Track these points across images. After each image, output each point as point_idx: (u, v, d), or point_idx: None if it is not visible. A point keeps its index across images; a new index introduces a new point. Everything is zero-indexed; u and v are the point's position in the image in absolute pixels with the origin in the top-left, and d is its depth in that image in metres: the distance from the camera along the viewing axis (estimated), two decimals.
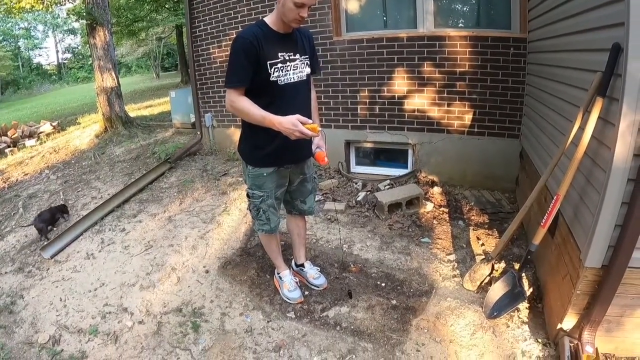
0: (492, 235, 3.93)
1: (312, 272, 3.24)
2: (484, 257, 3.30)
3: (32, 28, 41.57)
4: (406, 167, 5.18)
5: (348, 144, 5.34)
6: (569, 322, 2.45)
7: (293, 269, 3.37)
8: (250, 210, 2.94)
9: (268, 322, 3.01)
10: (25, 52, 43.32)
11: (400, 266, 3.49)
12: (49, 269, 3.98)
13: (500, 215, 4.28)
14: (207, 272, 3.60)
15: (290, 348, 2.79)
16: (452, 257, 3.61)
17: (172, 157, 6.11)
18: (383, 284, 3.28)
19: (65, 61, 47.49)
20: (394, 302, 3.09)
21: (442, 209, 4.43)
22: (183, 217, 4.60)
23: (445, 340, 2.76)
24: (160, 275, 3.65)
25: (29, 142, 8.83)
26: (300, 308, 3.09)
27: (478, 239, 3.90)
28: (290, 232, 3.27)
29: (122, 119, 8.29)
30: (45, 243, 4.25)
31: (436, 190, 4.74)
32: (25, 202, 5.63)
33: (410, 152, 5.09)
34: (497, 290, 2.97)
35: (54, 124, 9.92)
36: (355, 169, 5.33)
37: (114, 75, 8.19)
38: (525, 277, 3.02)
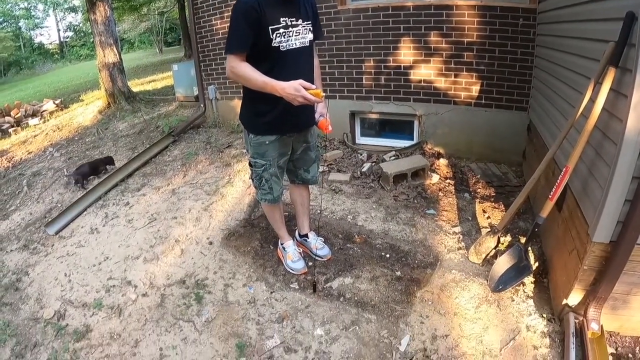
0: (498, 208, 3.85)
1: (316, 243, 3.19)
2: (489, 229, 3.22)
3: (32, 8, 41.11)
4: (412, 139, 5.07)
5: (353, 115, 5.22)
6: (574, 298, 2.38)
7: (297, 240, 3.32)
8: (252, 180, 2.87)
9: (271, 293, 2.97)
10: (26, 32, 42.59)
11: (405, 237, 3.43)
12: (53, 245, 3.95)
13: (506, 188, 4.19)
14: (210, 243, 3.55)
15: (294, 319, 2.75)
16: (458, 229, 3.54)
17: (176, 130, 6.02)
18: (387, 255, 3.22)
19: (67, 39, 46.80)
20: (398, 273, 3.03)
21: (448, 181, 4.34)
22: (186, 189, 4.54)
23: (449, 312, 2.71)
24: (163, 247, 3.61)
25: (32, 121, 8.71)
26: (304, 279, 3.04)
27: (484, 211, 3.82)
28: (294, 202, 3.20)
29: (124, 94, 8.16)
30: (49, 219, 4.22)
31: (442, 162, 4.65)
32: (30, 180, 5.57)
33: (416, 123, 4.98)
34: (503, 264, 2.90)
35: (56, 102, 9.79)
36: (360, 140, 5.23)
37: (115, 50, 8.04)
38: (531, 251, 2.96)
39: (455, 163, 4.74)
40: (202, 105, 6.42)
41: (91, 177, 5.07)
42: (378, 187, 4.18)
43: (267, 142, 2.66)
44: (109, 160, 5.29)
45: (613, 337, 2.43)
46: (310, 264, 3.16)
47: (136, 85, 11.12)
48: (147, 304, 3.06)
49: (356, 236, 3.45)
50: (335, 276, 3.03)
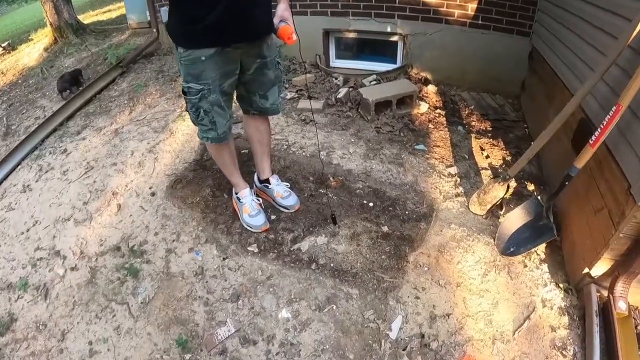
0: (497, 146, 3.03)
1: (279, 190, 2.32)
2: (498, 176, 2.40)
3: None
4: (395, 62, 4.11)
5: (327, 33, 4.19)
6: (599, 268, 1.82)
7: (256, 186, 2.45)
8: (189, 113, 1.94)
9: (224, 259, 2.15)
10: None
11: (391, 180, 2.59)
12: None
13: (504, 122, 3.36)
14: (153, 194, 2.66)
15: (252, 296, 1.96)
16: (453, 169, 2.71)
17: (125, 60, 4.90)
18: (371, 204, 2.39)
19: None
20: (385, 228, 2.22)
21: (438, 111, 3.45)
22: (132, 128, 3.55)
23: (451, 282, 1.95)
24: (99, 203, 2.71)
25: None
26: (264, 238, 2.21)
27: (482, 149, 2.99)
28: (250, 139, 2.30)
29: (72, 27, 6.79)
30: None
31: (430, 89, 3.73)
32: None
33: (400, 44, 4.00)
34: (515, 220, 2.14)
35: (3, 44, 8.25)
36: (335, 62, 4.23)
37: None
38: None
39: (445, 91, 3.84)
40: (154, 30, 5.26)
41: (74, 87, 4.41)
42: (357, 116, 3.27)
43: (203, 59, 1.73)
44: (79, 72, 4.65)
45: (632, 312, 1.84)
46: (273, 217, 2.32)
47: (90, 17, 9.57)
48: (76, 280, 2.23)
49: (331, 179, 2.59)
50: (305, 234, 2.20)
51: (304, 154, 2.82)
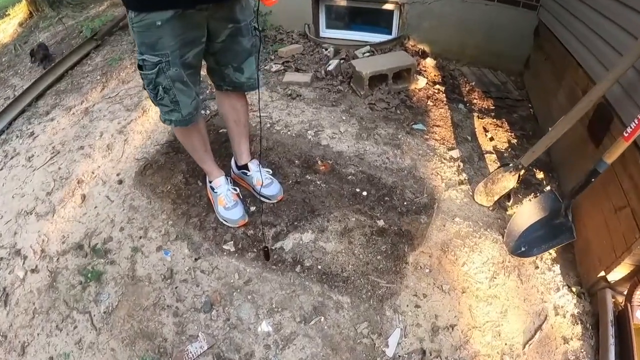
0: (501, 127, 2.70)
1: (260, 177, 1.97)
2: (507, 163, 2.08)
3: None
4: (390, 33, 3.71)
5: (317, 1, 3.76)
6: (617, 273, 1.60)
7: (233, 173, 2.11)
8: (147, 91, 1.58)
9: (196, 260, 1.83)
10: None
11: (387, 164, 2.26)
12: None
13: (507, 101, 3.03)
14: (120, 182, 2.31)
15: (227, 305, 1.65)
16: (455, 153, 2.38)
17: (100, 32, 4.45)
18: (364, 193, 2.06)
19: None
20: (380, 223, 1.90)
21: (437, 86, 3.10)
22: (103, 106, 3.16)
23: (455, 288, 1.66)
24: (62, 193, 2.35)
25: None
26: (242, 235, 1.88)
27: (485, 130, 2.67)
28: (225, 119, 1.94)
29: (48, 0, 6.26)
30: None
31: (429, 62, 3.36)
32: None
33: (396, 13, 3.59)
34: (527, 215, 1.85)
35: None
36: (325, 33, 3.82)
37: None
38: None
39: (444, 65, 3.46)
40: None
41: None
42: (348, 91, 2.90)
43: (159, 24, 1.37)
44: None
45: None
46: (253, 209, 1.99)
47: None
48: (37, 284, 1.92)
49: (319, 162, 2.25)
50: (289, 229, 1.88)
51: (289, 133, 2.47)
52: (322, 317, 1.56)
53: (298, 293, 1.63)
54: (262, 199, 1.98)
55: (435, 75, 3.25)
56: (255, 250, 1.79)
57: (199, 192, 2.11)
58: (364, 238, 1.81)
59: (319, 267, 1.71)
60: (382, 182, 2.11)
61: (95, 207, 2.21)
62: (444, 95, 3.00)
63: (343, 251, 1.76)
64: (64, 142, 2.82)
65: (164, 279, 1.80)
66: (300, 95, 2.81)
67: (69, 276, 1.91)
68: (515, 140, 2.62)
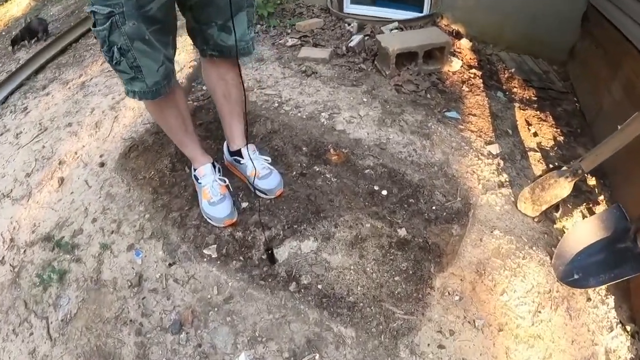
0: (545, 121, 2.23)
1: (256, 166, 1.55)
2: (559, 166, 1.62)
3: None
4: (420, 10, 3.22)
5: None
6: None
7: (226, 160, 1.71)
8: (103, 53, 1.18)
9: (170, 265, 1.45)
10: None
11: (413, 157, 1.82)
12: None
13: (550, 93, 2.53)
14: (102, 165, 1.95)
15: (201, 327, 1.27)
16: (494, 148, 1.92)
17: None
18: (384, 192, 1.64)
19: None
20: (402, 232, 1.47)
21: (473, 70, 2.62)
22: (100, 80, 2.80)
23: (491, 323, 1.25)
24: (42, 175, 2.02)
25: None
26: (229, 237, 1.49)
27: (528, 123, 2.20)
28: (212, 93, 1.54)
29: None
30: None
31: (464, 43, 2.87)
32: None
33: None
34: (584, 234, 1.43)
35: None
36: (350, 8, 3.34)
37: None
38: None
39: (480, 49, 2.97)
40: None
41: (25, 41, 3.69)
42: (372, 70, 2.45)
43: None
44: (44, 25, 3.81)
45: None
46: (244, 205, 1.59)
47: None
48: (1, 277, 1.61)
49: (332, 151, 1.83)
50: (287, 234, 1.47)
51: (299, 114, 2.05)
52: (317, 355, 1.17)
53: (289, 319, 1.24)
54: (258, 193, 1.58)
55: (470, 59, 2.77)
56: (242, 258, 1.40)
57: (185, 181, 1.73)
58: (380, 251, 1.39)
59: (319, 286, 1.30)
60: (407, 179, 1.69)
61: (72, 192, 1.87)
62: (481, 81, 2.53)
63: (352, 268, 1.35)
64: (54, 119, 2.50)
65: (130, 287, 1.43)
66: (317, 73, 2.38)
67: (33, 272, 1.59)
68: (562, 138, 2.16)
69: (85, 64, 3.20)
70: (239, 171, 1.64)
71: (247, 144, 1.56)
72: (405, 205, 1.56)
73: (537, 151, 2.04)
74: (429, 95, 2.24)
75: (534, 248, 1.52)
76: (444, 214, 1.56)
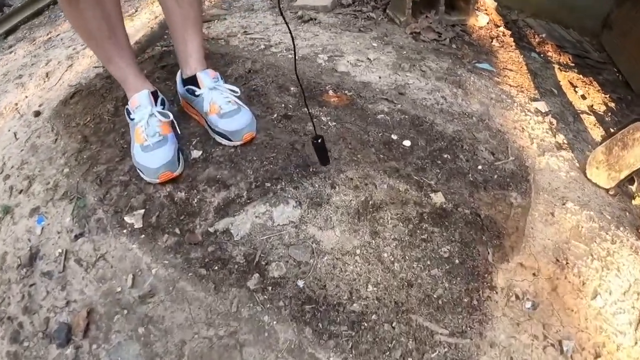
0: (590, 84, 1.60)
1: (216, 98, 0.93)
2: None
3: None
4: None
5: None
6: None
7: (180, 98, 1.07)
8: None
9: (76, 238, 0.82)
10: None
11: (443, 105, 1.18)
12: None
13: (587, 61, 1.90)
14: (37, 114, 1.34)
15: (99, 339, 0.65)
16: (542, 105, 1.29)
17: None
18: (406, 142, 0.99)
19: None
20: (437, 198, 0.83)
21: (501, 29, 1.98)
22: (68, 35, 2.19)
23: (584, 346, 0.60)
24: None
25: None
26: (165, 200, 0.85)
27: (572, 85, 1.57)
28: None
29: None
30: None
31: (489, 2, 2.23)
32: None
33: None
34: None
35: None
36: None
37: None
38: None
39: (505, 14, 2.33)
40: None
41: None
42: (383, 19, 1.80)
43: None
44: None
45: None
46: (195, 154, 0.95)
47: None
48: None
49: (330, 92, 1.18)
50: (254, 196, 0.83)
51: (289, 56, 1.41)
52: None
53: (243, 340, 0.61)
54: (217, 139, 0.95)
55: (497, 20, 2.13)
56: (178, 231, 0.77)
57: (125, 127, 1.09)
58: (405, 227, 0.75)
59: (300, 283, 0.67)
60: (437, 129, 1.05)
61: None
62: (512, 40, 1.89)
63: (358, 252, 0.72)
64: (7, 73, 1.92)
65: (19, 266, 0.82)
66: (315, 19, 1.75)
67: None
68: (613, 104, 1.54)
69: (58, 23, 2.58)
70: (194, 109, 1.00)
71: (206, 68, 0.93)
72: (439, 162, 0.92)
73: (589, 114, 1.43)
74: (454, 46, 1.60)
75: (620, 229, 0.89)
76: (495, 176, 0.93)
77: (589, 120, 1.39)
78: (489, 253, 0.74)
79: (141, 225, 0.80)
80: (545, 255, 0.79)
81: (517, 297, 0.71)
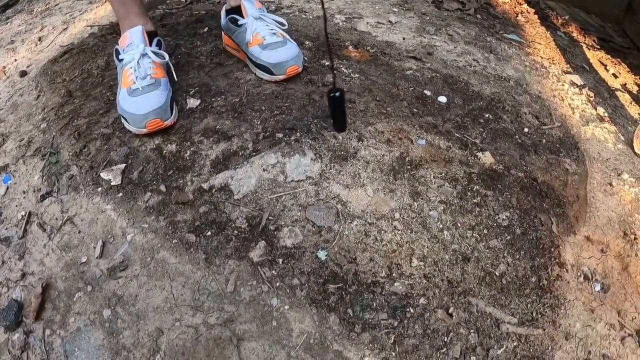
0: (619, 64, 1.40)
1: (260, 29, 0.76)
2: None
3: None
4: None
5: None
6: None
7: (224, 34, 0.86)
8: None
9: (42, 199, 0.63)
10: None
11: (476, 68, 0.98)
12: None
13: (611, 45, 1.70)
14: (23, 74, 1.14)
15: (53, 326, 0.44)
16: (577, 79, 1.09)
17: None
18: (442, 99, 0.79)
19: None
20: (484, 158, 0.63)
21: (524, 6, 1.77)
22: (67, 4, 1.99)
23: None
24: None
25: None
26: (151, 152, 0.65)
27: (602, 63, 1.37)
28: None
29: None
30: None
31: None
32: None
33: None
34: None
35: None
36: None
37: None
38: None
39: None
40: None
41: None
42: None
43: None
44: None
45: None
46: (193, 105, 0.74)
47: None
48: None
49: (350, 47, 0.97)
50: (261, 147, 0.63)
51: (304, 16, 1.21)
52: None
53: (241, 329, 0.41)
54: (259, 74, 0.77)
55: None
56: (163, 188, 0.57)
57: (115, 81, 0.89)
58: (453, 188, 0.56)
59: (321, 254, 0.47)
60: (473, 89, 0.85)
61: None
62: (537, 17, 1.69)
63: (396, 217, 0.52)
64: (1, 40, 1.72)
65: None
66: None
67: None
68: None
69: None
70: (235, 43, 0.80)
71: None
72: (481, 121, 0.73)
73: (623, 92, 1.23)
74: (479, 15, 1.40)
75: None
76: (543, 140, 0.73)
77: (624, 98, 1.20)
78: (552, 223, 0.55)
79: (119, 182, 0.60)
80: (612, 229, 0.59)
81: (585, 277, 0.52)
